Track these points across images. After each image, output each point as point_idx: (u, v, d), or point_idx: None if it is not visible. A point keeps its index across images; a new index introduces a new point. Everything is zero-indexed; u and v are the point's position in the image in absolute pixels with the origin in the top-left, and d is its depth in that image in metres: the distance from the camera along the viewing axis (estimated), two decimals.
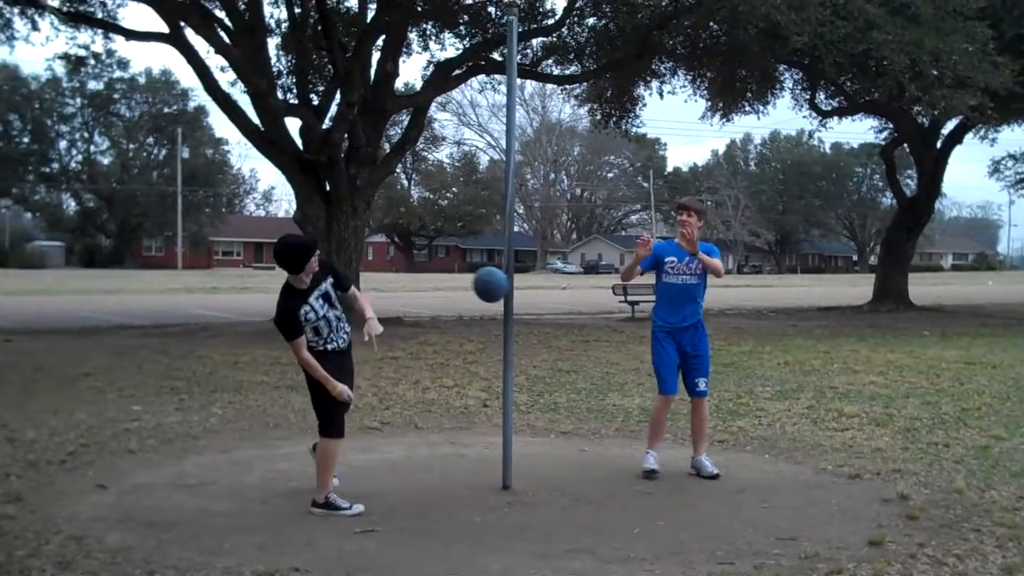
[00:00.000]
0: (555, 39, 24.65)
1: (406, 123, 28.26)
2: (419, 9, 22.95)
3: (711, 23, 23.51)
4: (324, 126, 22.20)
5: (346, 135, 21.66)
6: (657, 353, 7.74)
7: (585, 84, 28.79)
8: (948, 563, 5.50)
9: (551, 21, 24.46)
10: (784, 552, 5.69)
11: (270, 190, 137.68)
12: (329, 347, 6.53)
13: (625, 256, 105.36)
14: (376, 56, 22.64)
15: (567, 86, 30.52)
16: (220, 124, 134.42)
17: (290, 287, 6.45)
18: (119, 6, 23.52)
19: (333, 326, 6.54)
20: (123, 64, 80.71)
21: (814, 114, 32.75)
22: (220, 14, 22.00)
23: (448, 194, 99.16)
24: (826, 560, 5.52)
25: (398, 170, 78.79)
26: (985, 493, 7.07)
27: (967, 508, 6.66)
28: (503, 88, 19.71)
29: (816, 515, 6.55)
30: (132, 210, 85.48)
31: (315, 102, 23.27)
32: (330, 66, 22.94)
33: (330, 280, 6.59)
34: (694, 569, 5.40)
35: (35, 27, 22.47)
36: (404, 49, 24.00)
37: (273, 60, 23.58)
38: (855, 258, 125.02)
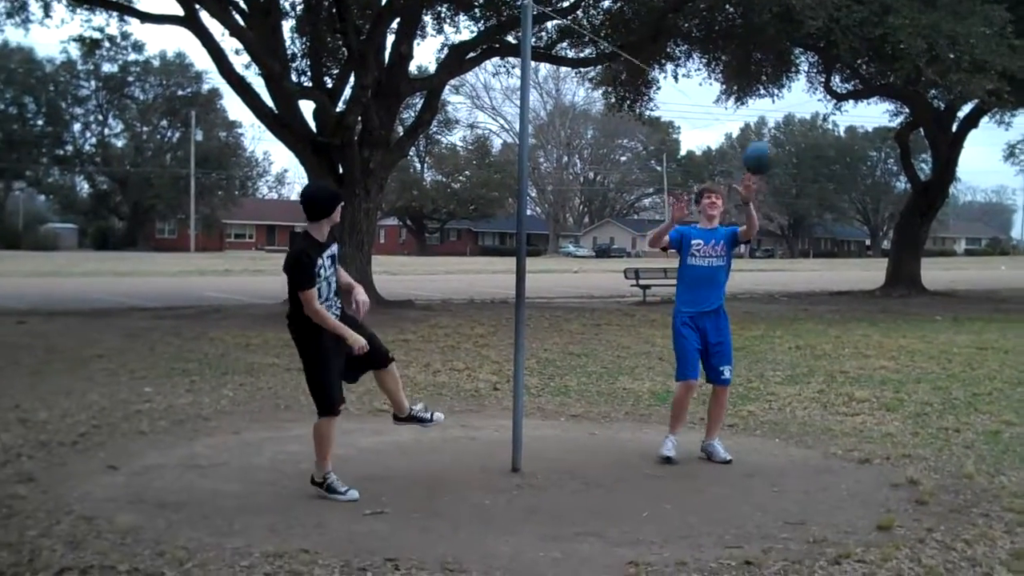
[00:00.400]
0: (570, 21, 24.59)
1: (419, 106, 28.25)
2: None
3: (727, 6, 23.46)
4: (338, 109, 22.22)
5: (360, 118, 21.67)
6: (678, 339, 7.68)
7: (599, 67, 28.73)
8: (957, 548, 5.49)
9: (567, 3, 24.40)
10: (793, 536, 5.69)
11: (283, 173, 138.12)
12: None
13: (637, 240, 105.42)
14: (390, 39, 22.63)
15: (581, 69, 30.46)
16: (234, 107, 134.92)
17: (308, 235, 6.35)
18: None
19: (330, 294, 6.42)
20: (138, 47, 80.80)
21: (829, 97, 32.66)
22: None
23: (461, 177, 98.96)
24: (834, 544, 5.52)
25: (411, 153, 78.77)
26: (995, 478, 7.06)
27: (976, 493, 6.65)
28: (517, 71, 19.69)
29: (825, 499, 6.55)
30: (145, 192, 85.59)
31: (329, 85, 23.30)
32: (344, 49, 22.96)
33: (336, 246, 6.55)
34: (703, 552, 5.40)
35: (48, 13, 22.46)
36: (418, 32, 23.99)
37: (287, 43, 23.62)
38: (868, 242, 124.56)
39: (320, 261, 6.28)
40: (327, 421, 6.43)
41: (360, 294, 6.52)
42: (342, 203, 6.51)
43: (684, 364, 7.66)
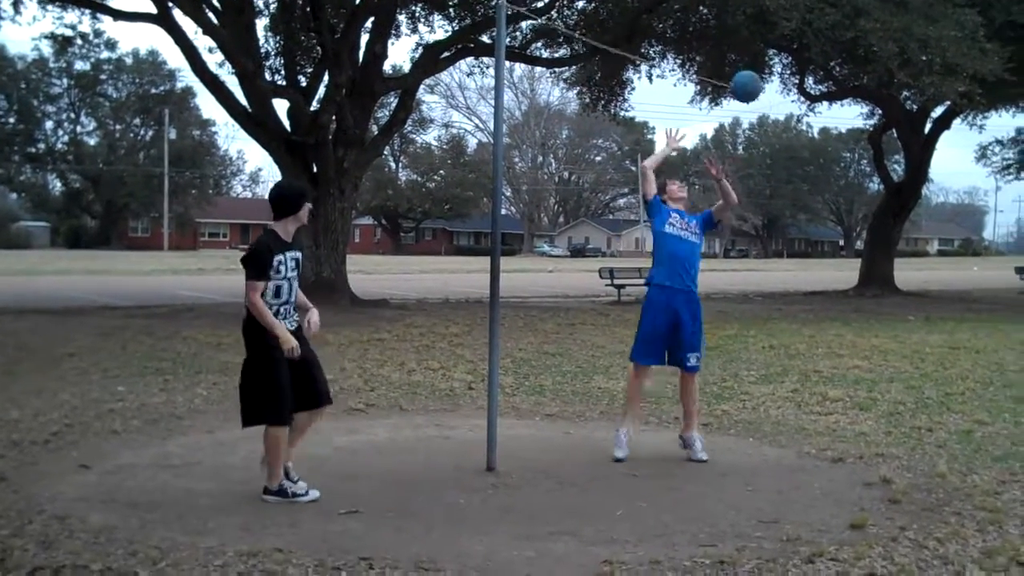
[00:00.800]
0: (544, 21, 24.62)
1: (394, 105, 28.22)
2: None
3: (700, 7, 23.54)
4: (312, 108, 22.17)
5: (334, 117, 21.62)
6: (645, 317, 7.64)
7: (574, 67, 28.77)
8: (929, 546, 5.52)
9: (540, 4, 24.42)
10: (766, 535, 5.71)
11: (257, 171, 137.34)
12: (281, 317, 6.24)
13: (612, 239, 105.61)
14: (365, 38, 22.59)
15: (556, 69, 30.51)
16: (207, 105, 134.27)
17: (274, 232, 6.27)
18: None
19: (291, 296, 6.29)
20: (110, 44, 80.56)
21: (803, 98, 32.79)
22: None
23: (436, 177, 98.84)
24: (808, 543, 5.54)
25: (385, 152, 78.66)
26: (967, 477, 7.10)
27: (949, 492, 6.70)
28: (491, 71, 19.69)
29: (799, 498, 6.57)
30: (118, 191, 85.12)
31: (303, 84, 23.25)
32: (318, 47, 22.91)
33: (300, 252, 6.43)
34: (677, 551, 5.42)
35: (17, 9, 22.24)
36: (393, 31, 23.95)
37: (261, 41, 23.54)
38: (841, 243, 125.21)
39: (281, 258, 6.18)
40: (280, 430, 6.22)
41: (314, 315, 6.39)
42: (309, 203, 6.40)
43: (643, 345, 7.63)
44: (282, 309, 6.25)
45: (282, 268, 6.19)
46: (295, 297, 6.36)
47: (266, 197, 6.57)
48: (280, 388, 6.15)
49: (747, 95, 7.90)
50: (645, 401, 9.07)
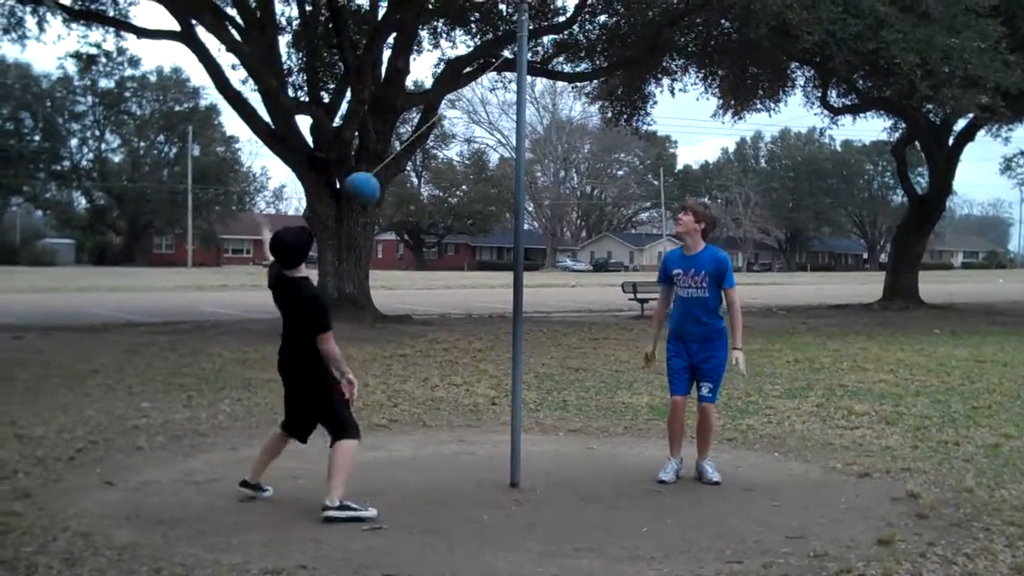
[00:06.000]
0: (566, 36, 24.63)
1: (416, 121, 28.27)
2: (430, 6, 22.96)
3: (722, 20, 23.47)
4: (335, 124, 22.23)
5: (356, 133, 21.67)
6: (668, 354, 7.59)
7: (596, 82, 28.77)
8: (958, 562, 5.46)
9: (562, 18, 24.44)
10: (793, 551, 5.66)
11: (280, 188, 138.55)
12: None
13: (635, 253, 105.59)
14: (387, 54, 22.66)
15: (578, 83, 30.51)
16: (231, 122, 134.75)
17: (307, 278, 6.46)
18: (131, 4, 23.67)
19: None
20: (134, 62, 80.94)
21: (825, 111, 32.68)
22: (231, 12, 22.02)
23: (458, 192, 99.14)
24: (835, 559, 5.49)
25: (408, 168, 78.83)
26: (995, 492, 7.04)
27: (977, 507, 6.63)
28: (513, 86, 19.71)
29: (825, 514, 6.52)
30: (142, 208, 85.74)
31: (326, 100, 23.31)
32: (341, 64, 22.97)
33: None
34: (703, 568, 5.38)
35: (42, 27, 22.43)
36: (415, 47, 24.00)
37: (284, 58, 23.65)
38: (865, 256, 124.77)
39: None
40: (356, 444, 6.43)
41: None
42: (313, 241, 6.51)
43: (670, 381, 7.56)
44: None
45: None
46: None
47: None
48: (346, 407, 6.50)
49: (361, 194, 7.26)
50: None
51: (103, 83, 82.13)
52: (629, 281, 28.36)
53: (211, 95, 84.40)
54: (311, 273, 6.78)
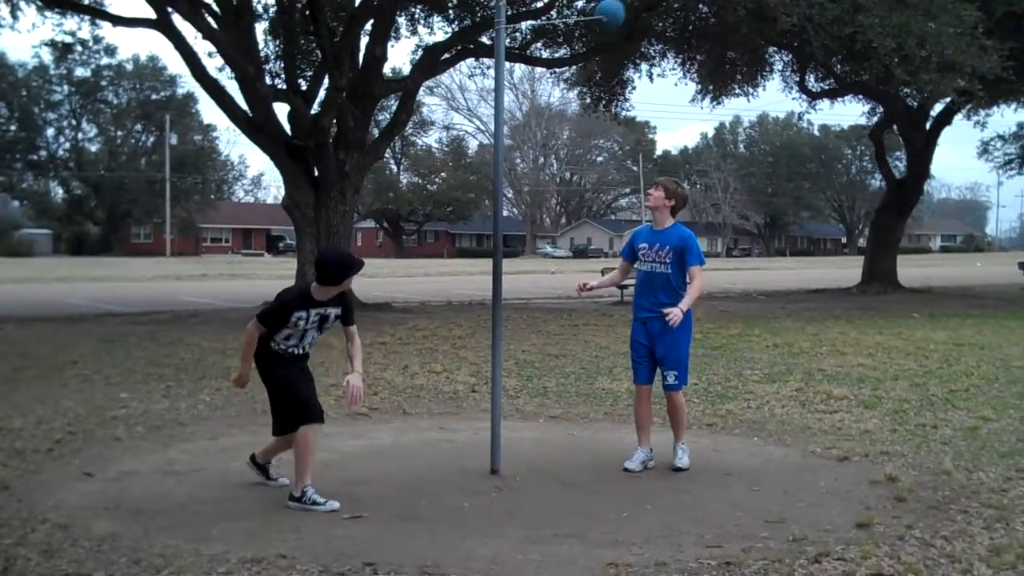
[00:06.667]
0: (543, 22, 24.59)
1: (394, 108, 28.21)
2: None
3: (700, 4, 23.48)
4: (312, 111, 22.14)
5: (334, 120, 21.61)
6: (631, 341, 7.59)
7: (574, 67, 28.75)
8: (936, 544, 5.50)
9: (540, 4, 24.39)
10: (772, 535, 5.69)
11: (259, 176, 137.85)
12: (291, 352, 6.41)
13: (614, 240, 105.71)
14: (364, 40, 22.57)
15: (556, 69, 30.48)
16: (208, 110, 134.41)
17: (306, 292, 6.36)
18: None
19: (305, 340, 6.45)
20: (110, 51, 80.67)
21: (803, 96, 32.75)
22: None
23: (437, 179, 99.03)
24: (814, 543, 5.52)
25: (386, 155, 78.68)
26: (973, 474, 7.09)
27: (955, 489, 6.68)
28: (491, 72, 19.67)
29: (804, 498, 6.55)
30: (120, 197, 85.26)
31: (303, 87, 23.22)
32: (318, 51, 22.89)
33: (338, 310, 6.46)
34: (683, 552, 5.40)
35: (15, 15, 22.23)
36: (393, 33, 23.93)
37: (261, 45, 23.55)
38: (844, 240, 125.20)
39: (303, 313, 6.28)
40: (311, 428, 6.32)
41: (352, 387, 6.34)
42: (354, 275, 6.39)
43: (633, 369, 7.59)
44: (289, 348, 6.42)
45: (300, 323, 6.31)
46: (310, 344, 6.52)
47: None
48: (304, 394, 6.37)
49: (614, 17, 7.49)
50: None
51: (79, 72, 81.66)
52: (609, 267, 28.37)
53: (188, 83, 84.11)
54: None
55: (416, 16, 25.18)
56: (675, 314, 7.05)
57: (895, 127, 34.77)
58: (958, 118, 33.32)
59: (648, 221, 7.71)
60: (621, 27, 7.38)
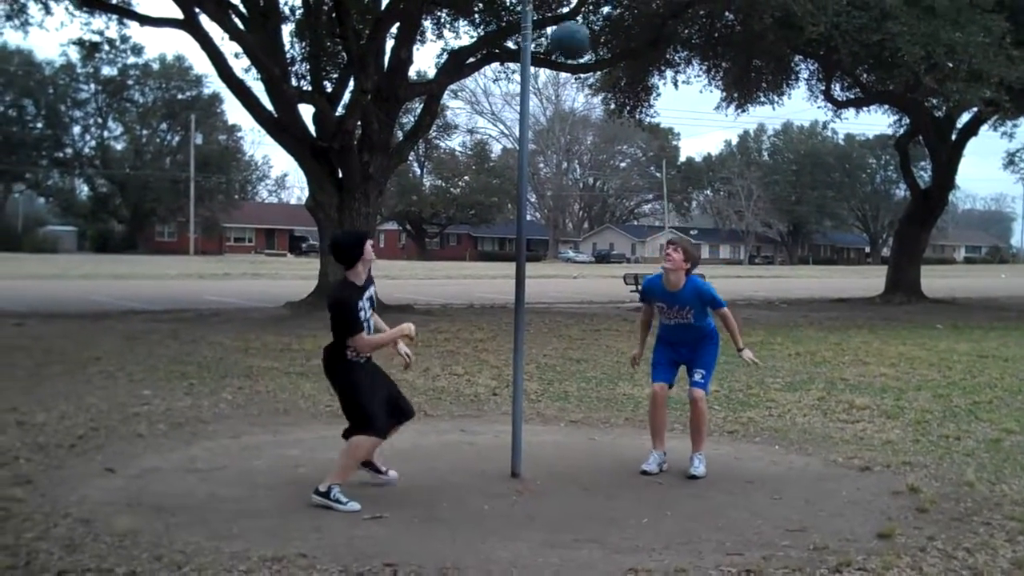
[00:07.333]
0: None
1: (419, 111, 28.26)
2: None
3: (726, 12, 23.44)
4: (337, 113, 22.21)
5: (359, 122, 21.66)
6: (654, 351, 7.67)
7: (599, 73, 28.74)
8: (958, 556, 5.47)
9: (566, 9, 24.40)
10: (793, 543, 5.67)
11: (283, 177, 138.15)
12: (362, 357, 6.50)
13: (637, 245, 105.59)
14: (390, 43, 22.63)
15: (581, 75, 30.48)
16: (234, 111, 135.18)
17: (347, 280, 6.44)
18: None
19: (368, 330, 6.51)
20: (137, 50, 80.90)
21: (829, 104, 32.63)
22: (235, 0, 21.98)
23: (460, 182, 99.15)
24: (835, 552, 5.49)
25: (410, 158, 78.82)
26: (996, 486, 7.04)
27: (977, 501, 6.63)
28: (517, 76, 19.68)
29: (826, 507, 6.52)
30: (145, 196, 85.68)
31: (329, 89, 23.30)
32: (344, 53, 22.97)
33: (374, 287, 6.63)
34: (703, 559, 5.38)
35: (48, 12, 22.46)
36: (418, 36, 23.98)
37: (287, 47, 23.65)
38: (867, 250, 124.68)
39: (361, 304, 6.38)
40: (368, 439, 6.40)
41: (407, 326, 6.56)
42: (370, 241, 6.54)
43: (653, 370, 7.64)
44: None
45: (362, 313, 6.41)
46: (370, 331, 6.57)
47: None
48: (371, 403, 6.42)
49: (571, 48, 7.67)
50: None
51: (106, 71, 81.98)
52: (631, 273, 28.35)
53: (214, 83, 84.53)
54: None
55: (442, 20, 25.24)
56: (749, 353, 7.59)
57: (921, 137, 34.60)
58: (984, 129, 33.15)
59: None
60: (584, 46, 7.41)
